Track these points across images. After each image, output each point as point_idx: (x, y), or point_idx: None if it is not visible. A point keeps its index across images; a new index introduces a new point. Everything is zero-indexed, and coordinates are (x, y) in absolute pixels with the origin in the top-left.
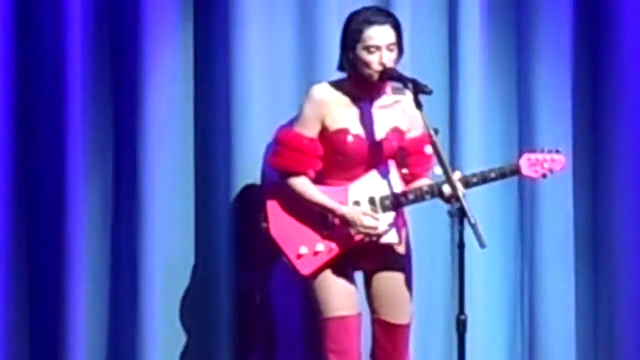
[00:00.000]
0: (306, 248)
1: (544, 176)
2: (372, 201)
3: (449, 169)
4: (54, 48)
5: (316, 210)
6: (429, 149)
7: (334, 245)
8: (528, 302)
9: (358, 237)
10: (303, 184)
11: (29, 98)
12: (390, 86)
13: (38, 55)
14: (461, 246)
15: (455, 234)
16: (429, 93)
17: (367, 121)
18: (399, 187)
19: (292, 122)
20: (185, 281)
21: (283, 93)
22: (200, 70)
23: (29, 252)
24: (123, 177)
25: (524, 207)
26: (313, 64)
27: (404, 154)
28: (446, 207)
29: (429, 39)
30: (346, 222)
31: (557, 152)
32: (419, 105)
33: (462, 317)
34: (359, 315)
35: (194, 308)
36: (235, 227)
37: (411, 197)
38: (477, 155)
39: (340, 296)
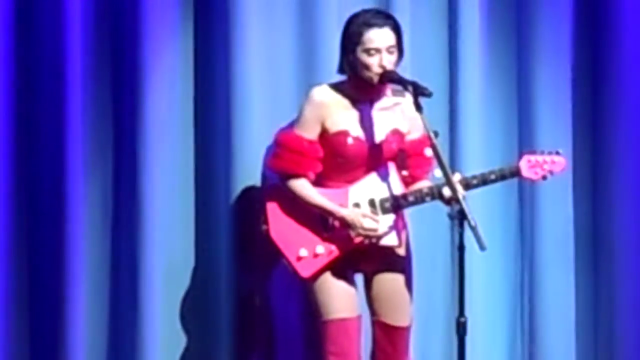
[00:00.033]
0: (306, 250)
1: (544, 178)
2: (371, 203)
3: (449, 171)
4: (54, 49)
5: (316, 212)
6: (428, 151)
7: (333, 247)
8: (528, 304)
9: (357, 239)
10: (303, 186)
11: (29, 99)
12: (390, 88)
13: (38, 56)
14: (461, 248)
15: (455, 236)
16: (429, 95)
17: (366, 123)
18: (398, 189)
19: (292, 124)
20: (185, 283)
21: (283, 95)
22: (200, 71)
23: (29, 253)
24: (123, 178)
25: (523, 208)
26: (313, 65)
27: (403, 156)
28: (446, 209)
29: (428, 41)
30: (346, 224)
31: (557, 153)
32: (418, 108)
33: (462, 319)
34: (359, 317)
35: (194, 309)
36: (235, 229)
37: (411, 198)
38: (477, 156)
39: (340, 298)
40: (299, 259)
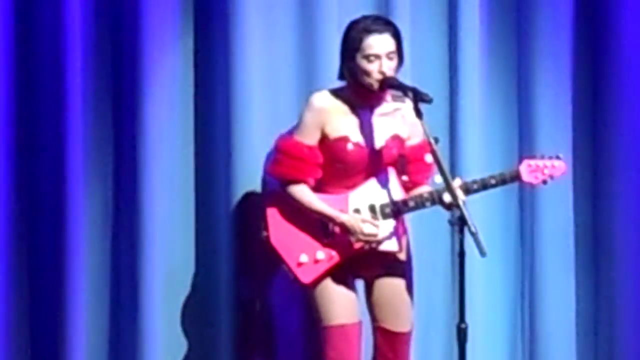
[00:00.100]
0: (306, 256)
1: (544, 182)
2: (372, 209)
3: (449, 177)
4: (54, 50)
5: (316, 218)
6: (429, 157)
7: (334, 253)
8: (528, 310)
9: (358, 245)
10: (302, 192)
11: (29, 101)
12: (390, 94)
13: (38, 59)
14: (461, 254)
15: (456, 242)
16: (429, 101)
17: (366, 129)
18: (398, 194)
19: (292, 130)
20: (185, 289)
21: (283, 101)
22: (201, 76)
23: (29, 261)
24: (123, 182)
25: (524, 213)
26: (313, 71)
27: (403, 162)
28: (446, 214)
29: (428, 46)
30: (346, 230)
31: (557, 158)
32: (418, 114)
33: (463, 326)
34: (360, 323)
35: (194, 316)
36: (235, 235)
37: (411, 204)
38: (477, 161)
39: (341, 304)
40: (300, 264)
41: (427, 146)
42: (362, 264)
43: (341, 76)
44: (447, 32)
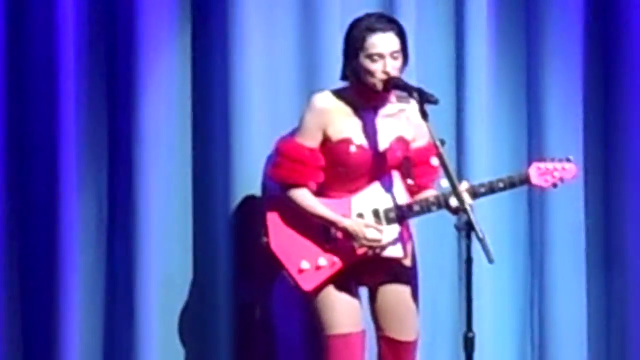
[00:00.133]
0: (308, 262)
1: (554, 185)
2: (375, 213)
3: (456, 181)
4: (47, 50)
5: (317, 223)
6: (434, 160)
7: (336, 259)
8: (538, 319)
9: (361, 250)
10: (303, 196)
11: (21, 102)
12: (394, 94)
13: (31, 61)
14: (468, 261)
15: (463, 248)
16: (435, 102)
17: (370, 130)
18: (403, 198)
19: (292, 132)
20: (182, 295)
21: (283, 102)
22: (198, 79)
23: (20, 268)
24: (118, 188)
25: (533, 217)
26: (314, 71)
27: (408, 164)
28: (453, 219)
29: (434, 45)
30: (348, 235)
31: (568, 160)
32: (424, 115)
33: (470, 335)
34: (363, 332)
35: (192, 323)
36: (234, 240)
37: (416, 208)
38: (485, 164)
39: (344, 312)
40: (301, 271)
41: (432, 148)
42: (365, 270)
43: (344, 76)
44: (454, 30)
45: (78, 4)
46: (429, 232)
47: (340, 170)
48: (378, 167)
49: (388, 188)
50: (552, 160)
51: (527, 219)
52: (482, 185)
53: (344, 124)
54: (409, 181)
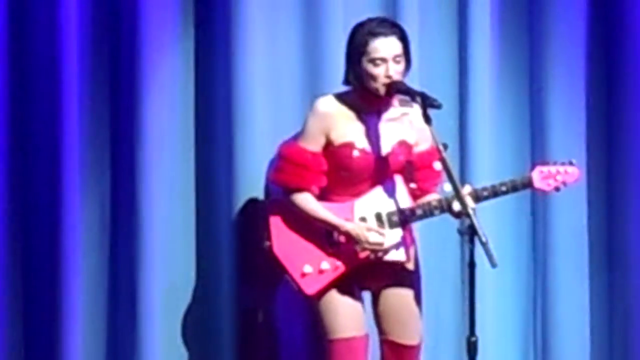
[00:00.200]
0: (310, 266)
1: (557, 189)
2: (378, 217)
3: (459, 185)
4: (50, 51)
5: (320, 227)
6: (437, 165)
7: (339, 263)
8: (541, 323)
9: (363, 254)
10: (306, 200)
11: (24, 103)
12: (397, 98)
13: (34, 63)
14: (471, 265)
15: (466, 252)
16: (438, 107)
17: (373, 135)
18: (406, 202)
19: (295, 136)
20: (185, 299)
21: (286, 106)
22: (201, 82)
23: (23, 270)
24: (121, 190)
25: (536, 221)
26: (317, 75)
27: (411, 169)
28: (456, 223)
29: (437, 49)
30: (351, 239)
31: (571, 163)
32: (427, 119)
33: (473, 339)
34: (366, 336)
35: (195, 327)
36: (237, 244)
37: (419, 212)
38: (488, 167)
39: (347, 316)
40: (303, 275)
41: (435, 153)
42: (368, 274)
43: (346, 81)
44: (457, 34)
45: (81, 5)
46: (431, 236)
47: (343, 174)
48: (381, 171)
49: (391, 192)
50: (555, 163)
51: (530, 223)
52: (484, 189)
53: (346, 128)
54: (412, 185)
